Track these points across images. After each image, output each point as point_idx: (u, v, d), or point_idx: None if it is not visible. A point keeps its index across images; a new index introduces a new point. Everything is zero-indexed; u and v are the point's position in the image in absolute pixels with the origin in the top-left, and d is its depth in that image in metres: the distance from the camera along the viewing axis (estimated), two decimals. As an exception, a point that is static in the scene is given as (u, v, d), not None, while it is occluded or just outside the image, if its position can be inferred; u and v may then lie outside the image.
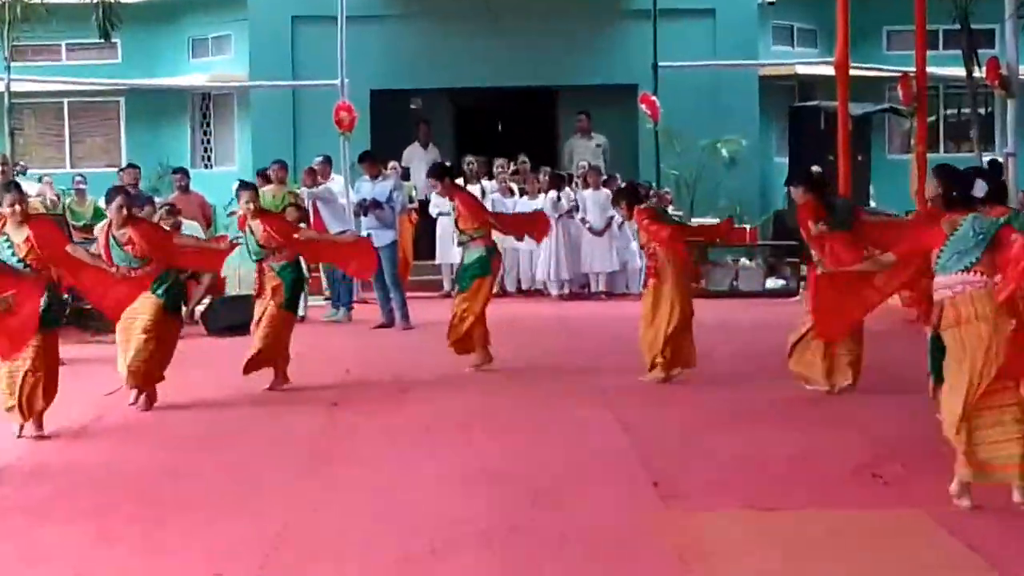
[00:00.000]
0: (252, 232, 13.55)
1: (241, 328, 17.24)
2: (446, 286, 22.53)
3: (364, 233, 18.57)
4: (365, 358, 15.41)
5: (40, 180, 21.62)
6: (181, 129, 27.98)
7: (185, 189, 20.74)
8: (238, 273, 20.00)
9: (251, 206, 13.61)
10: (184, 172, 21.34)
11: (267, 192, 19.74)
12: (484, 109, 27.49)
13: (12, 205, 11.06)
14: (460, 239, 14.76)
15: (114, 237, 12.16)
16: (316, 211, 19.40)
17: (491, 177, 22.92)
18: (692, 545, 7.84)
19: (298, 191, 19.78)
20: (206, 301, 18.59)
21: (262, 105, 26.28)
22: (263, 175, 20.01)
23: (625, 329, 14.27)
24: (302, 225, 18.69)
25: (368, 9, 24.81)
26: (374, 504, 8.91)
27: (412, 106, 27.35)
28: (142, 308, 12.13)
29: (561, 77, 26.25)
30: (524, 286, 22.65)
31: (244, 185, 14.23)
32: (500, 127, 27.74)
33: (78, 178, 22.01)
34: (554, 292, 22.05)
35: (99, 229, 12.82)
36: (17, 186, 11.73)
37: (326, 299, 20.27)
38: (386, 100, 25.70)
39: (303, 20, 25.67)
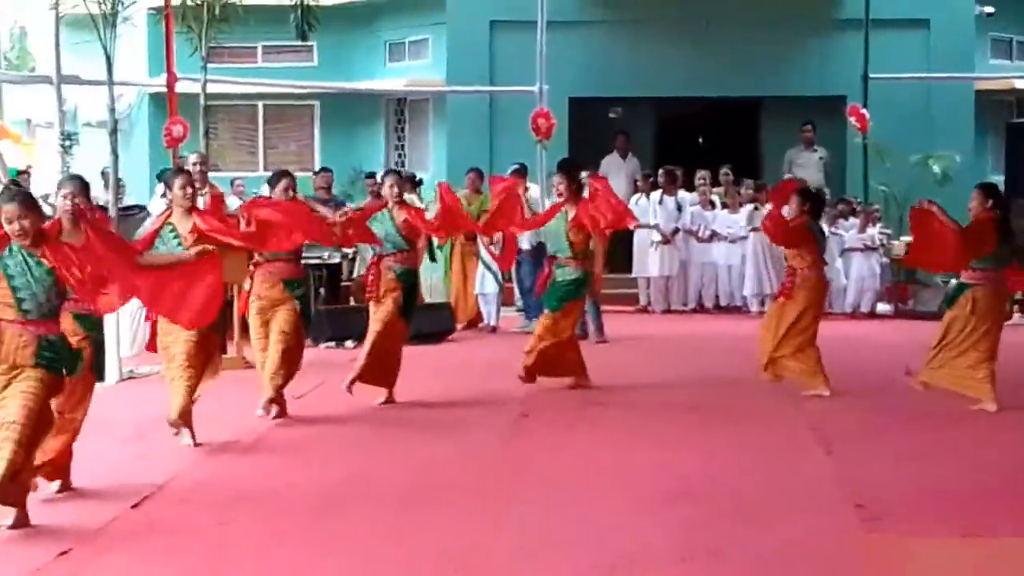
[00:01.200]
0: (392, 219, 13.23)
1: (433, 337, 17.47)
2: (642, 300, 22.52)
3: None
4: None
5: (232, 184, 22.03)
6: (375, 134, 28.28)
7: (378, 195, 20.80)
8: (429, 281, 20.20)
9: (395, 190, 13.34)
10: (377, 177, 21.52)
11: (462, 199, 19.93)
12: (685, 119, 27.37)
13: (183, 188, 11.24)
14: (559, 250, 14.19)
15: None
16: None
17: (691, 189, 22.81)
18: (898, 572, 7.73)
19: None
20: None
21: (458, 111, 26.43)
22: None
23: (830, 349, 14.06)
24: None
25: (569, 14, 24.85)
26: (560, 520, 8.89)
27: (611, 115, 27.37)
28: (279, 315, 12.35)
29: (766, 88, 26.03)
30: (723, 302, 22.50)
31: (391, 171, 14.18)
32: (702, 138, 27.61)
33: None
34: (754, 309, 21.81)
35: (238, 208, 12.90)
36: (190, 173, 11.98)
37: (519, 310, 20.35)
38: (585, 108, 25.71)
39: (502, 25, 25.74)
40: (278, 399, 12.41)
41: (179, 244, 11.02)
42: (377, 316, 13.15)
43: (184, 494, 9.59)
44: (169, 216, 11.31)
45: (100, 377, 9.80)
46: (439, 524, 8.70)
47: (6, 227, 8.27)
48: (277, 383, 12.27)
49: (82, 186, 9.82)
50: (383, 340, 13.06)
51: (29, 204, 8.36)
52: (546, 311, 14.14)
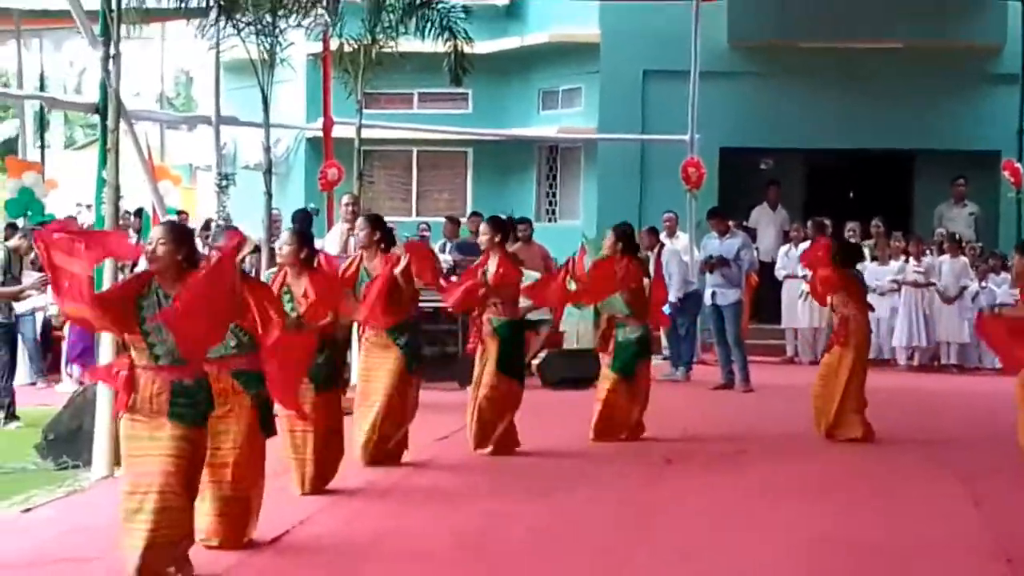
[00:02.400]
0: (486, 270, 12.58)
1: (578, 382, 17.32)
2: (789, 351, 22.32)
3: (708, 291, 18.51)
4: (702, 417, 15.23)
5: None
6: (527, 181, 28.26)
7: (528, 240, 20.81)
8: (577, 327, 20.07)
9: (490, 238, 12.65)
10: (528, 222, 21.43)
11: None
12: (836, 171, 27.03)
13: (285, 247, 10.45)
14: (615, 310, 13.63)
15: (366, 270, 11.67)
16: (658, 267, 19.21)
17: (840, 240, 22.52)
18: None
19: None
20: (543, 354, 18.66)
21: (609, 158, 26.34)
22: None
23: (978, 404, 13.75)
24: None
25: (721, 65, 24.69)
26: (699, 566, 8.73)
27: (762, 166, 27.11)
28: (384, 367, 11.67)
29: (919, 141, 25.61)
30: (871, 355, 22.09)
31: (490, 218, 13.41)
32: (853, 190, 27.24)
33: (423, 225, 22.48)
34: (902, 362, 21.54)
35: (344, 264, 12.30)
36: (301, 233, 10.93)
37: (664, 358, 20.19)
38: (735, 158, 25.51)
39: (655, 75, 25.64)
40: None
41: (292, 310, 10.28)
42: (483, 382, 12.60)
43: (314, 539, 9.31)
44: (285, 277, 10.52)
45: (270, 433, 9.02)
46: (578, 569, 8.54)
47: (145, 248, 7.89)
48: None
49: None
50: (487, 404, 12.57)
51: (176, 235, 7.90)
52: (616, 376, 13.58)
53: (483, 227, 12.93)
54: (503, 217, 13.09)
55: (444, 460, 12.33)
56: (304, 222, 18.11)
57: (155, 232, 7.94)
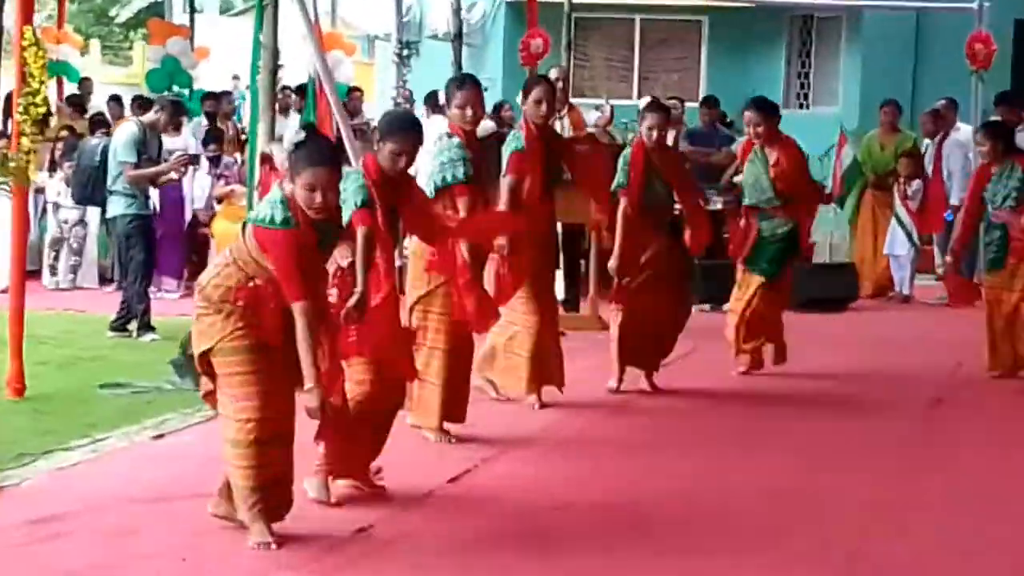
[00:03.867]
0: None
1: (831, 304, 17.18)
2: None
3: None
4: (981, 352, 14.95)
5: (597, 108, 21.98)
6: (774, 59, 28.04)
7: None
8: (829, 238, 19.83)
9: (653, 133, 12.12)
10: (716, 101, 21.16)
11: (874, 138, 19.57)
12: None
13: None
14: (761, 199, 12.97)
15: None
16: (938, 161, 18.90)
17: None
18: None
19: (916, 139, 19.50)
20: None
21: (877, 32, 25.99)
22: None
23: None
24: (914, 183, 18.38)
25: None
26: (975, 525, 8.54)
27: (1067, 43, 26.56)
28: None
29: None
30: None
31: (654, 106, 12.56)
32: None
33: (646, 111, 22.34)
34: None
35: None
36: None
37: (937, 278, 19.91)
38: (1035, 33, 25.08)
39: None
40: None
41: None
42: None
43: (488, 488, 9.18)
44: None
45: None
46: (828, 519, 8.49)
47: (301, 193, 7.26)
48: None
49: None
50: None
51: (341, 170, 7.60)
52: (759, 279, 13.04)
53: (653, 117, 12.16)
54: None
55: (668, 388, 12.32)
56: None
57: (321, 177, 7.28)
